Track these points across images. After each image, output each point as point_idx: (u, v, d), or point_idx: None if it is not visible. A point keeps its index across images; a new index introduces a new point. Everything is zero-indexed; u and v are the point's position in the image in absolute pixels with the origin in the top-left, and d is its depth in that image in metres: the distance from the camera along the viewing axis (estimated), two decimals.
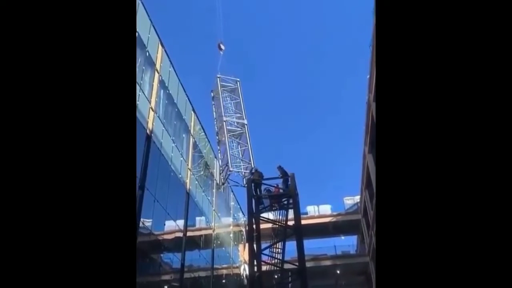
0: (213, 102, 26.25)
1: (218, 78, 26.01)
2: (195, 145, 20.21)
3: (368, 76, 18.32)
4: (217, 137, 24.81)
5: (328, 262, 31.68)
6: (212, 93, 26.44)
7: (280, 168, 14.49)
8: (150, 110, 14.08)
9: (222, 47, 27.53)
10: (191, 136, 19.61)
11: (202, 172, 21.44)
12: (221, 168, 24.09)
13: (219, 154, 24.38)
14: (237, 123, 24.97)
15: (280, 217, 14.28)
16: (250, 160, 23.23)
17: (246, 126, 24.97)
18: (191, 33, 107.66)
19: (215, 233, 22.23)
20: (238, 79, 26.95)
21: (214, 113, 25.86)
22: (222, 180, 24.26)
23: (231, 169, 22.49)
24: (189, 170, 18.48)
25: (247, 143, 24.31)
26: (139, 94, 13.03)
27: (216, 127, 25.28)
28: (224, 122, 24.13)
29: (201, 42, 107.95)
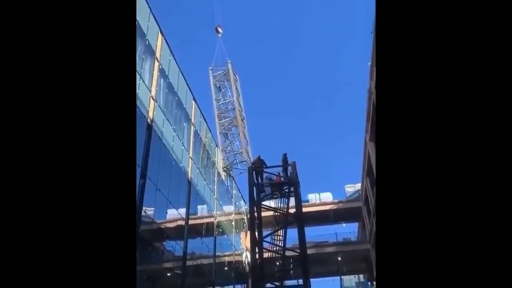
0: (212, 82, 26.03)
1: (229, 64, 25.83)
2: (196, 134, 20.22)
3: (369, 64, 18.21)
4: (218, 121, 24.74)
5: (329, 249, 31.89)
6: (211, 72, 26.25)
7: (284, 156, 14.56)
8: (151, 99, 14.05)
9: (220, 30, 27.37)
10: (192, 125, 19.60)
11: (203, 161, 21.49)
12: (227, 155, 24.11)
13: (220, 136, 24.36)
14: (241, 116, 25.00)
15: (282, 205, 14.36)
16: (249, 155, 23.31)
17: (244, 121, 24.98)
18: (189, 20, 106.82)
19: (217, 221, 22.38)
20: (237, 73, 26.92)
21: (214, 94, 25.72)
22: (230, 167, 24.32)
23: (246, 160, 22.55)
24: (191, 158, 18.52)
25: (246, 138, 24.36)
26: (139, 83, 12.99)
27: (215, 109, 25.17)
28: (239, 111, 24.08)
29: (199, 30, 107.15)
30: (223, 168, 24.81)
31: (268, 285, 13.01)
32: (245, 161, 23.07)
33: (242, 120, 24.95)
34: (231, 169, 24.51)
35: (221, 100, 25.75)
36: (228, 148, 24.72)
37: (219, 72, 26.23)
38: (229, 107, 25.41)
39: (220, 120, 24.91)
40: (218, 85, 26.10)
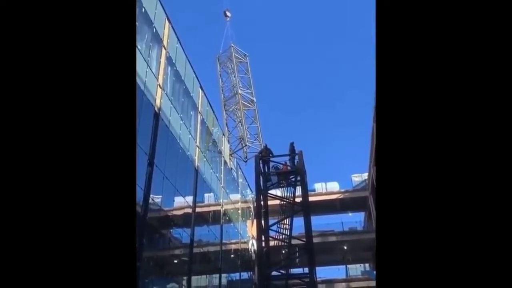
0: (219, 70, 25.82)
1: (232, 48, 25.55)
2: (202, 122, 20.24)
3: None
4: (224, 108, 24.65)
5: (335, 238, 32.01)
6: (218, 60, 26.03)
7: (291, 145, 14.54)
8: (158, 87, 14.06)
9: (228, 14, 27.07)
10: (198, 113, 19.61)
11: (210, 149, 21.55)
12: (236, 139, 24.06)
13: (226, 122, 24.28)
14: (249, 98, 24.85)
15: (288, 194, 14.38)
16: (259, 137, 23.25)
17: (255, 103, 24.85)
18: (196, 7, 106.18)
19: (223, 209, 22.52)
20: (247, 54, 26.60)
21: (220, 81, 25.56)
22: (235, 153, 24.32)
23: (247, 143, 22.51)
24: (197, 147, 18.57)
25: (256, 120, 24.26)
26: (146, 71, 12.99)
27: (222, 96, 25.07)
28: (240, 96, 23.94)
29: (207, 17, 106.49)
30: (229, 155, 24.86)
31: (274, 272, 13.10)
32: (247, 145, 23.02)
33: (249, 103, 24.78)
34: (246, 155, 24.45)
35: (227, 85, 25.63)
36: (237, 132, 24.64)
37: (224, 59, 26.06)
38: (235, 90, 25.29)
39: (226, 107, 24.84)
40: (225, 70, 25.96)
